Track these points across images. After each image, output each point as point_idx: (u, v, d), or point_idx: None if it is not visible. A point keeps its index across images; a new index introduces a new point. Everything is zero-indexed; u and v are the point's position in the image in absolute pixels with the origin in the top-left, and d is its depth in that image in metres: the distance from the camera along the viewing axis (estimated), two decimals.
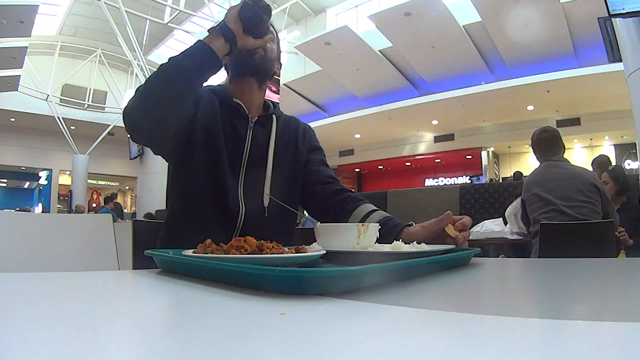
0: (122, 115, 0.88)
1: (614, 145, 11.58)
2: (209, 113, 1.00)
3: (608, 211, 2.09)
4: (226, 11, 0.93)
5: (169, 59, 0.86)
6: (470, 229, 0.85)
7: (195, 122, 0.97)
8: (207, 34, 0.89)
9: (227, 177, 0.97)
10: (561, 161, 2.20)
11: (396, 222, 0.92)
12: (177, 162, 1.01)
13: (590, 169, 3.00)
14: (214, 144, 0.97)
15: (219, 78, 1.10)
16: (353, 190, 1.13)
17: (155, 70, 0.86)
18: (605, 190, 2.11)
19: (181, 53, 0.87)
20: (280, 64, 1.13)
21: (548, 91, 9.47)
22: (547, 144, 2.27)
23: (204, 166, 0.97)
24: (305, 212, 1.18)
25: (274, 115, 1.08)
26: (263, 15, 0.91)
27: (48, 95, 12.21)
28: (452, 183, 13.30)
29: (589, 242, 1.85)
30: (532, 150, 2.33)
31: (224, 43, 0.88)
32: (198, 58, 0.86)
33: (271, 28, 1.04)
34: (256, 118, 1.04)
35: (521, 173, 6.60)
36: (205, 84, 0.98)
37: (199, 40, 0.88)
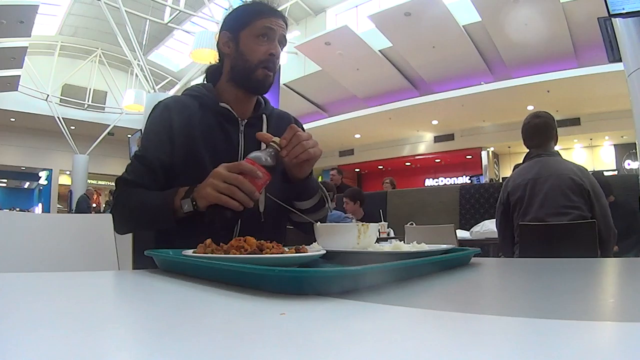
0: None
1: (614, 145, 11.56)
2: (191, 135, 0.95)
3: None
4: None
5: (142, 197, 0.89)
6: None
7: (174, 155, 0.93)
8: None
9: None
10: (550, 156, 1.95)
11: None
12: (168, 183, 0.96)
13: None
14: (202, 163, 0.92)
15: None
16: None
17: (128, 195, 0.91)
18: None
19: (152, 194, 0.89)
20: None
21: (548, 91, 9.47)
22: (536, 131, 2.03)
23: (195, 182, 0.85)
24: None
25: (264, 115, 1.04)
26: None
27: (48, 95, 12.19)
28: (452, 183, 13.29)
29: (568, 244, 1.71)
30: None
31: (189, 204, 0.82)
32: (156, 211, 0.86)
33: (282, 21, 0.99)
34: (246, 121, 1.01)
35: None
36: (197, 83, 0.98)
37: (171, 191, 0.86)
